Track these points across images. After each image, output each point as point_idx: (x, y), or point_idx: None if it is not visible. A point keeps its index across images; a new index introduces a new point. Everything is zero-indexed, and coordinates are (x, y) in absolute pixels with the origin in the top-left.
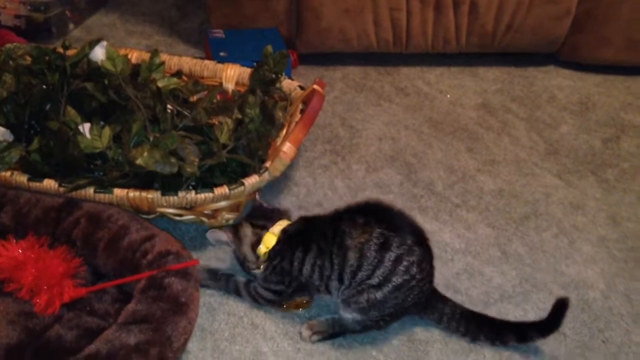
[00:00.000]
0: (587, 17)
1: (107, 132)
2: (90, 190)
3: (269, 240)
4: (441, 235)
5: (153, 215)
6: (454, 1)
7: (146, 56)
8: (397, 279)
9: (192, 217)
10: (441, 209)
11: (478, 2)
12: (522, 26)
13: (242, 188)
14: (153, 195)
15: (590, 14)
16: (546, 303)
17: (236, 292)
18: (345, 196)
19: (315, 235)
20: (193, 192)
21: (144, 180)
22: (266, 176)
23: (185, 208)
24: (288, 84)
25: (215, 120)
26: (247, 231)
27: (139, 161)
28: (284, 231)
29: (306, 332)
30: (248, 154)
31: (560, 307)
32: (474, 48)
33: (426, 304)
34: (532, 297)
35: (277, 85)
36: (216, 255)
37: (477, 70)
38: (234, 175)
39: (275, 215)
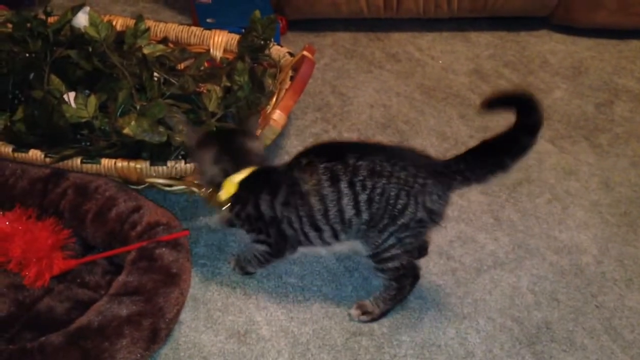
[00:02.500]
0: None
1: (92, 101)
2: (77, 161)
3: (229, 189)
4: None
5: (142, 186)
6: None
7: (131, 23)
8: (369, 198)
9: (182, 187)
10: None
11: None
12: None
13: None
14: (142, 165)
15: None
16: (539, 269)
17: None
18: None
19: (277, 182)
20: (183, 162)
21: (132, 150)
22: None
23: (175, 178)
24: (277, 51)
25: (203, 88)
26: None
27: (126, 130)
28: (244, 180)
29: (355, 312)
30: (238, 122)
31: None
32: (466, 12)
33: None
34: (525, 263)
35: (266, 52)
36: (208, 226)
37: (469, 35)
38: None
39: (245, 158)
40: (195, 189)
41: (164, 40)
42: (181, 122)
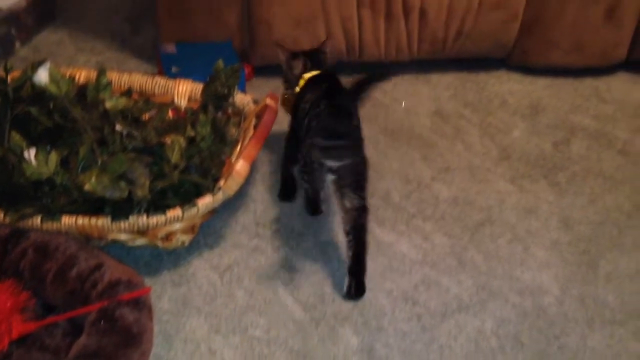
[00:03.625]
0: (535, 22)
1: (53, 157)
2: (37, 219)
3: (301, 83)
4: (399, 246)
5: (104, 242)
6: (404, 9)
7: (94, 75)
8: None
9: (145, 241)
10: (398, 219)
11: (427, 10)
12: (471, 32)
13: (195, 209)
14: (103, 221)
15: (537, 18)
16: (503, 311)
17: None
18: (303, 211)
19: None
20: (145, 216)
21: (94, 205)
22: (220, 196)
23: (137, 232)
24: (241, 99)
25: (167, 139)
26: (299, 64)
27: (87, 187)
28: (310, 79)
29: None
30: (201, 173)
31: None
32: (427, 55)
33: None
34: (489, 305)
35: (230, 100)
36: (172, 280)
37: (430, 77)
38: (188, 196)
39: (321, 64)
40: (158, 243)
41: (128, 91)
42: (143, 175)
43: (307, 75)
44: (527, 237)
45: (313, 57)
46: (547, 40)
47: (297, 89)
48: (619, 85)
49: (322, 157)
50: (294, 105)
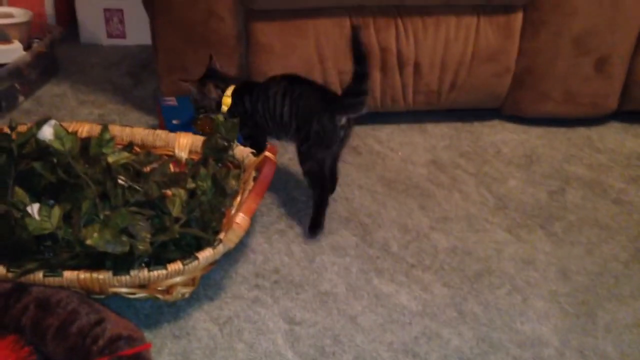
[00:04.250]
0: (526, 74)
1: (56, 212)
2: (39, 274)
3: (227, 101)
4: (398, 297)
5: (104, 296)
6: (398, 62)
7: (97, 129)
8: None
9: (145, 294)
10: (397, 269)
11: (421, 63)
12: (465, 84)
13: (196, 263)
14: (104, 275)
15: (529, 70)
16: None
17: None
18: (302, 261)
19: (253, 89)
20: (146, 270)
21: (96, 259)
22: (220, 248)
23: (138, 286)
24: (240, 151)
25: (168, 191)
26: (212, 89)
27: (89, 241)
28: (234, 91)
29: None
30: (202, 225)
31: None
32: (422, 106)
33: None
34: (489, 358)
35: (230, 152)
36: (172, 333)
37: (425, 127)
38: (188, 249)
39: (228, 79)
40: (159, 295)
41: (130, 145)
42: (144, 229)
43: (230, 90)
44: (525, 287)
45: (216, 76)
46: (539, 91)
47: (225, 107)
48: (611, 134)
49: (354, 112)
50: (244, 110)
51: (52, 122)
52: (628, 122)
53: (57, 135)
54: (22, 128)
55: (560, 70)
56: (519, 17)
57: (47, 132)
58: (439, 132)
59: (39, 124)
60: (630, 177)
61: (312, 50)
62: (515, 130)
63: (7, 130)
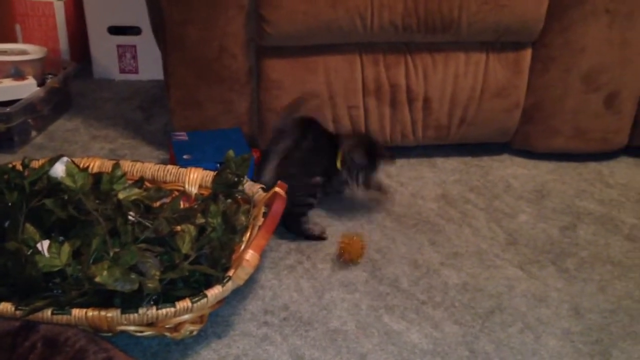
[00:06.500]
0: (536, 109)
1: (66, 248)
2: (47, 312)
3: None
4: (409, 335)
5: (112, 334)
6: (408, 98)
7: (109, 164)
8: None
9: (153, 332)
10: (407, 306)
11: (431, 98)
12: (474, 119)
13: (205, 300)
14: (113, 314)
15: (538, 106)
16: None
17: None
18: (312, 297)
19: None
20: (154, 308)
21: (104, 296)
22: (229, 285)
23: (146, 324)
24: (250, 187)
25: (178, 227)
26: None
27: (98, 279)
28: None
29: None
30: (211, 262)
31: None
32: (431, 140)
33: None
34: None
35: (240, 187)
36: None
37: (435, 161)
38: (197, 285)
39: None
40: (167, 333)
41: (141, 180)
42: (154, 267)
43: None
44: (538, 325)
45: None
46: (548, 126)
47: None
48: (622, 169)
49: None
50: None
51: (65, 159)
52: (638, 157)
53: (68, 173)
54: (34, 164)
55: (569, 106)
56: (528, 53)
57: (59, 170)
58: (449, 167)
59: (52, 161)
60: None
61: (322, 86)
62: (525, 164)
63: (19, 167)
